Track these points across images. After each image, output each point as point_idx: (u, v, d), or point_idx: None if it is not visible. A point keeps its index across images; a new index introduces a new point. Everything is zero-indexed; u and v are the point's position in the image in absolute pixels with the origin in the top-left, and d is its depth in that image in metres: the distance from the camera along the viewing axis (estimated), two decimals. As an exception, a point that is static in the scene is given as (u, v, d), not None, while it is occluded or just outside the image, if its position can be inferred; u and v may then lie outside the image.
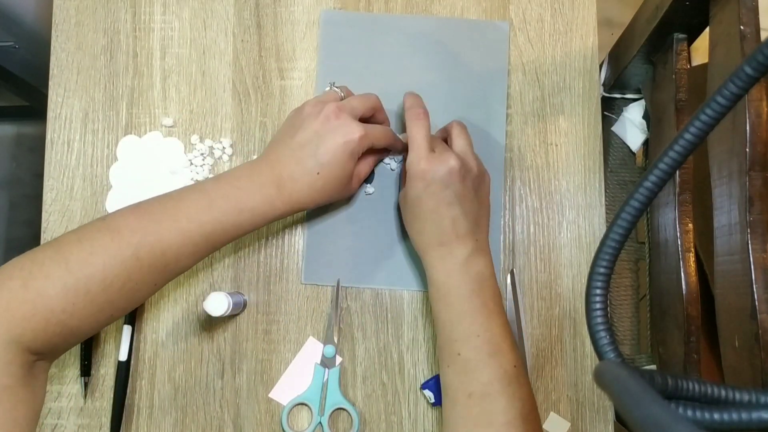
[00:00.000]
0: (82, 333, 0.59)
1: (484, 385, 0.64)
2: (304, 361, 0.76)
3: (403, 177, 0.75)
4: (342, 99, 0.71)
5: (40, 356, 0.56)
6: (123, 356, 0.73)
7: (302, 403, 0.76)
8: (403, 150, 0.77)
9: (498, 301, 0.68)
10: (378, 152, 0.76)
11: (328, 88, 0.73)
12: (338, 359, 0.76)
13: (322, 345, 0.76)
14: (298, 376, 0.76)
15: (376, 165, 0.77)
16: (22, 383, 0.54)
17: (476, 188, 0.70)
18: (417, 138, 0.69)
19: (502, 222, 0.79)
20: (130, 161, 0.78)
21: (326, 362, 0.76)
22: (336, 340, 0.76)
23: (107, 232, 0.59)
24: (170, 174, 0.78)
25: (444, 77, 0.81)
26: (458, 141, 0.71)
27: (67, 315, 0.56)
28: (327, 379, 0.75)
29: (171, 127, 0.79)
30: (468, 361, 0.65)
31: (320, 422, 0.75)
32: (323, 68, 0.81)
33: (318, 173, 0.66)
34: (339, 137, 0.66)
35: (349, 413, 0.75)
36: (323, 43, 0.81)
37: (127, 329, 0.74)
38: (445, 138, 0.75)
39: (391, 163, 0.78)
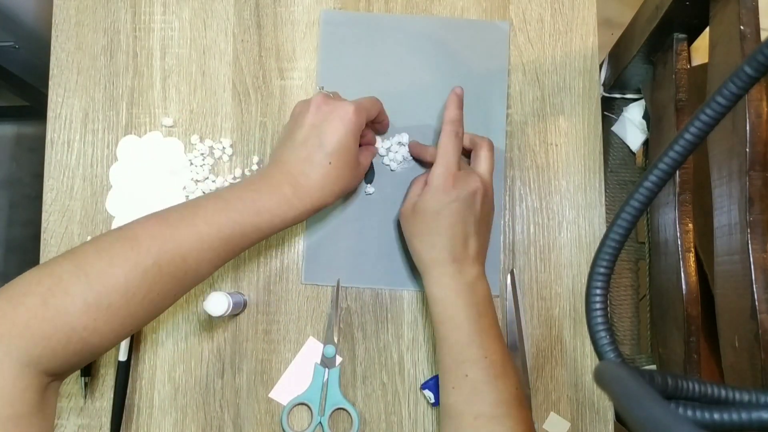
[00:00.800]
0: (101, 349, 0.57)
1: (492, 407, 0.64)
2: (304, 361, 0.76)
3: (414, 186, 0.74)
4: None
5: (56, 377, 0.55)
6: (123, 356, 0.73)
7: (302, 403, 0.76)
8: (386, 125, 0.78)
9: (498, 324, 0.69)
10: (371, 142, 0.77)
11: (318, 90, 0.72)
12: (338, 359, 0.76)
13: (322, 345, 0.76)
14: (298, 376, 0.76)
15: (373, 156, 0.77)
16: (36, 410, 0.52)
17: (488, 214, 0.71)
18: (449, 152, 0.69)
19: (502, 222, 0.79)
20: (130, 161, 0.78)
21: (326, 362, 0.76)
22: (336, 340, 0.76)
23: (126, 242, 0.57)
24: (170, 174, 0.78)
25: (444, 77, 0.81)
26: (484, 164, 0.72)
27: (89, 332, 0.54)
28: (327, 379, 0.75)
29: (171, 126, 0.79)
30: (476, 383, 0.65)
31: (320, 422, 0.75)
32: (323, 68, 0.81)
33: (330, 163, 0.65)
34: (336, 120, 0.66)
35: (349, 413, 0.75)
36: (323, 43, 0.81)
37: None
38: (469, 150, 0.75)
39: (390, 164, 0.78)
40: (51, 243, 0.77)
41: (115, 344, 0.58)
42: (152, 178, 0.78)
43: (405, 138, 0.78)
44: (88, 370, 0.74)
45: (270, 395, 0.76)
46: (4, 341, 0.50)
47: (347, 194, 0.71)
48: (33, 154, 1.66)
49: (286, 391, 0.76)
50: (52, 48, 0.80)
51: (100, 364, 0.75)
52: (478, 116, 0.80)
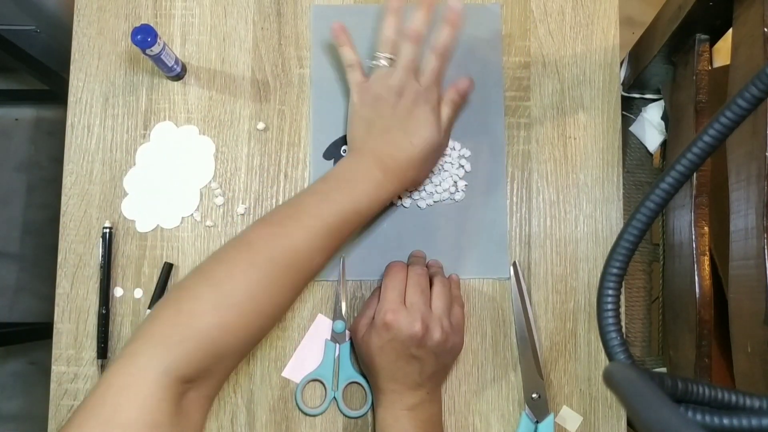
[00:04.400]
0: (234, 349, 0.61)
1: None
2: (314, 338, 0.77)
3: (367, 307, 0.74)
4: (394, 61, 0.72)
5: (192, 384, 0.57)
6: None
7: (315, 380, 0.76)
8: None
9: None
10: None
11: (374, 63, 0.73)
12: (348, 334, 0.76)
13: (331, 321, 0.77)
14: (310, 354, 0.77)
15: (457, 109, 0.76)
16: (174, 420, 0.55)
17: (437, 353, 0.70)
18: (391, 290, 0.71)
19: (519, 215, 0.79)
20: (161, 145, 0.79)
21: (336, 338, 0.76)
22: (344, 315, 0.76)
23: (241, 246, 0.63)
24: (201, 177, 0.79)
25: None
26: (436, 302, 0.71)
27: (220, 331, 0.58)
28: (338, 354, 0.76)
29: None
30: None
31: (334, 397, 0.75)
32: (316, 63, 0.81)
33: (411, 142, 0.70)
34: (419, 106, 0.70)
35: (362, 386, 0.75)
36: (315, 39, 0.81)
37: None
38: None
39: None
40: (70, 227, 0.77)
41: (249, 345, 0.64)
42: (176, 166, 0.79)
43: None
44: (105, 353, 0.75)
45: (283, 374, 0.76)
46: (144, 349, 0.56)
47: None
48: (51, 137, 1.67)
49: (299, 369, 0.77)
50: (73, 33, 0.80)
51: (116, 348, 0.76)
52: (476, 101, 0.79)
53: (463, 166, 0.79)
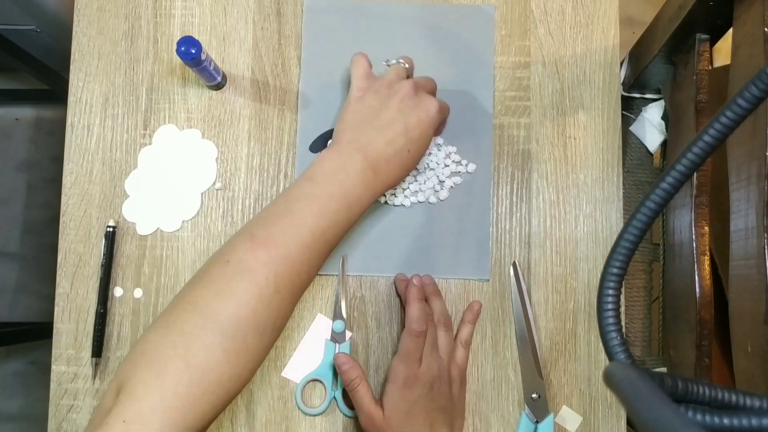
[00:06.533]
0: (237, 394, 0.57)
1: None
2: (314, 338, 0.77)
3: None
4: (407, 69, 0.73)
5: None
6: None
7: (315, 380, 0.76)
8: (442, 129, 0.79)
9: None
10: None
11: (388, 64, 0.74)
12: (348, 334, 0.76)
13: (331, 321, 0.77)
14: (310, 353, 0.77)
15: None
16: None
17: (451, 397, 0.72)
18: (408, 348, 0.70)
19: (519, 215, 0.79)
20: (164, 149, 0.79)
21: (336, 337, 0.76)
22: (344, 315, 0.76)
23: (244, 275, 0.56)
24: (217, 189, 0.79)
25: (429, 62, 0.81)
26: (441, 342, 0.73)
27: (235, 382, 0.54)
28: (338, 354, 0.76)
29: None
30: None
31: (334, 397, 0.75)
32: (308, 55, 0.81)
33: (408, 151, 0.67)
34: (422, 112, 0.68)
35: None
36: (307, 29, 0.81)
37: None
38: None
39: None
40: (70, 226, 0.77)
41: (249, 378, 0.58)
42: (178, 170, 0.79)
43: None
44: (99, 352, 0.75)
45: (282, 374, 0.76)
46: (158, 415, 0.49)
47: None
48: (51, 137, 1.68)
49: (299, 369, 0.76)
50: (73, 33, 0.80)
51: (116, 346, 0.76)
52: (465, 101, 0.79)
53: (448, 166, 0.79)
